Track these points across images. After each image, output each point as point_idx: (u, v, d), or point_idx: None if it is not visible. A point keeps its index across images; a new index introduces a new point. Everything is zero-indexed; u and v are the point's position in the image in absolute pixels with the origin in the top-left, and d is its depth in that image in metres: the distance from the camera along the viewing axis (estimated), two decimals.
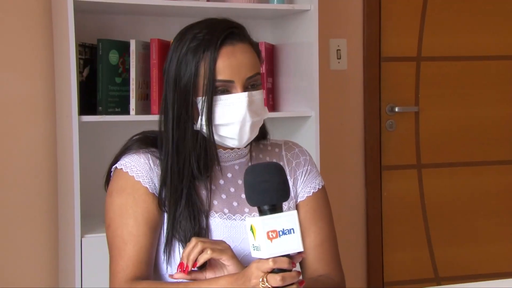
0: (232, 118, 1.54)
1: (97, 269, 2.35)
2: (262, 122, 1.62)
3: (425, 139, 3.46)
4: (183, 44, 1.56)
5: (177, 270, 1.46)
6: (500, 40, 3.53)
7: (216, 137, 1.56)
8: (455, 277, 3.48)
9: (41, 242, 2.80)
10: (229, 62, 1.53)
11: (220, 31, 1.55)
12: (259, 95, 1.57)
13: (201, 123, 1.55)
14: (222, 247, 1.45)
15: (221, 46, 1.54)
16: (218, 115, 1.54)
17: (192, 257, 1.43)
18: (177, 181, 1.55)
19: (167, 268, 1.56)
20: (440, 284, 3.46)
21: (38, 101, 2.78)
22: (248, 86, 1.55)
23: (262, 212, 1.30)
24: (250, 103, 1.54)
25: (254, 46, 1.61)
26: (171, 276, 1.49)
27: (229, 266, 1.44)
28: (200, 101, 1.54)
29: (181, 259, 1.45)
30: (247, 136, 1.56)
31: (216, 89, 1.53)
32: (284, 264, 1.29)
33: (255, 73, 1.57)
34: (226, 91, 1.54)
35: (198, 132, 1.57)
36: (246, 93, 1.53)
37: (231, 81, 1.53)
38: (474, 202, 3.54)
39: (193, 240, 1.45)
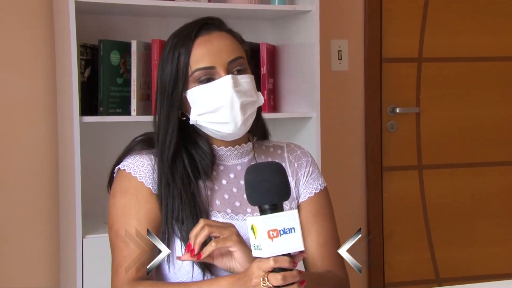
0: (219, 101, 1.54)
1: (98, 270, 2.35)
2: (255, 106, 1.60)
3: (426, 140, 3.46)
4: (166, 46, 1.61)
5: (185, 251, 1.46)
6: (501, 41, 3.53)
7: (210, 127, 1.57)
8: (456, 278, 3.48)
9: (42, 243, 2.81)
10: (206, 49, 1.56)
11: (195, 25, 1.59)
12: (245, 78, 1.58)
13: (192, 116, 1.58)
14: (229, 232, 1.45)
15: (196, 37, 1.57)
16: (207, 103, 1.55)
17: (199, 240, 1.42)
18: (171, 179, 1.56)
19: (169, 267, 1.56)
20: (441, 285, 3.45)
21: (40, 101, 2.78)
22: (234, 71, 1.57)
23: (263, 212, 1.31)
24: (236, 85, 1.55)
25: (235, 35, 1.63)
26: (178, 257, 1.49)
27: (236, 251, 1.44)
28: (188, 94, 1.56)
29: (189, 239, 1.45)
30: (240, 117, 1.55)
31: (200, 78, 1.55)
32: (285, 263, 1.28)
33: (236, 57, 1.58)
34: (211, 79, 1.56)
35: (185, 128, 1.58)
36: (229, 76, 1.55)
37: (212, 67, 1.55)
38: (475, 203, 3.54)
39: (201, 222, 1.45)
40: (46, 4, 2.76)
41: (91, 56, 2.63)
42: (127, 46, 2.62)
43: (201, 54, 1.55)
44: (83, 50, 2.58)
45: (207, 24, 1.59)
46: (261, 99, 1.62)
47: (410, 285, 3.44)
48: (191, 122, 1.58)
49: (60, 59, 2.68)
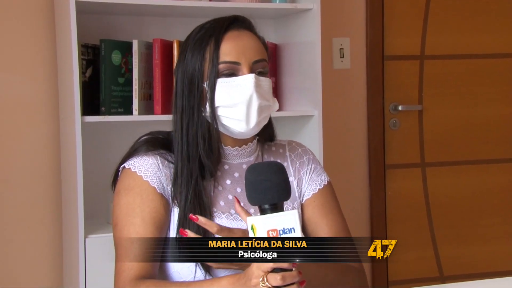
0: (238, 98, 1.54)
1: (101, 269, 2.36)
2: (270, 110, 1.61)
3: (429, 138, 3.45)
4: (191, 38, 1.60)
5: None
6: (503, 38, 3.53)
7: (223, 122, 1.57)
8: (459, 276, 3.47)
9: (45, 243, 2.81)
10: (235, 44, 1.56)
11: (226, 19, 1.59)
12: (266, 81, 1.58)
13: (207, 108, 1.57)
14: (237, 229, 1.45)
15: (226, 31, 1.57)
16: (225, 97, 1.55)
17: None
18: (188, 170, 1.56)
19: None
20: (445, 283, 3.45)
21: (41, 102, 2.79)
22: (256, 71, 1.57)
23: (263, 211, 1.30)
24: (257, 86, 1.55)
25: (261, 39, 1.64)
26: (182, 232, 1.48)
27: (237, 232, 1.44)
28: (206, 85, 1.56)
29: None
30: (255, 118, 1.55)
31: (223, 71, 1.55)
32: (284, 263, 1.28)
33: (262, 58, 1.58)
34: (233, 74, 1.56)
35: (204, 119, 1.58)
36: (253, 75, 1.55)
37: (237, 63, 1.55)
38: (479, 200, 3.53)
39: (214, 226, 1.43)
40: (47, 4, 2.76)
41: (92, 56, 2.63)
42: (129, 45, 2.62)
43: (229, 48, 1.55)
44: (84, 50, 2.59)
45: (238, 21, 1.60)
46: (276, 105, 1.63)
47: (413, 282, 3.43)
48: (207, 114, 1.57)
49: (61, 59, 2.68)
